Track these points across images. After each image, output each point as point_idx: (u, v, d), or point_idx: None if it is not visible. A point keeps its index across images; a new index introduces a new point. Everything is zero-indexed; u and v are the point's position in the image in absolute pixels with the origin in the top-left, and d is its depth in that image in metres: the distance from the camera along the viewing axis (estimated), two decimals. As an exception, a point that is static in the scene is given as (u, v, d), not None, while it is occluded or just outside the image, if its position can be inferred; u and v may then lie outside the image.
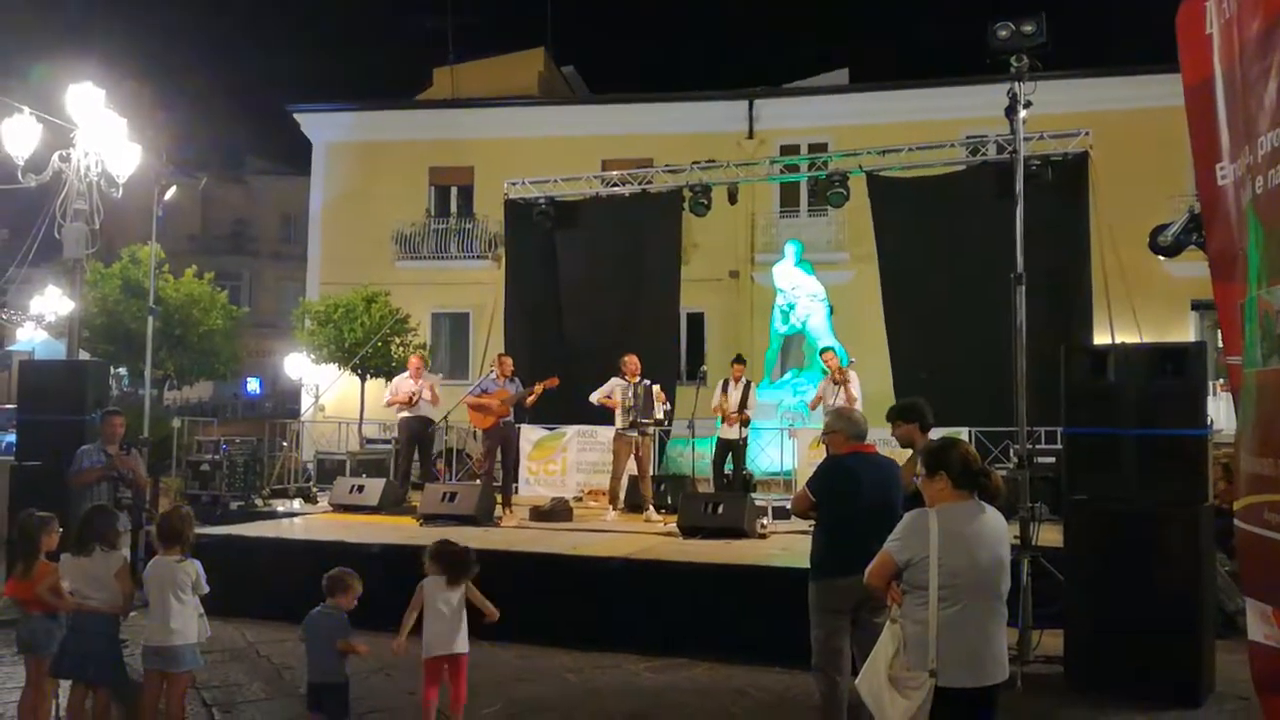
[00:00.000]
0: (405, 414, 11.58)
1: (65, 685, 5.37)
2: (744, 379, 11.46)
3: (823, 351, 12.14)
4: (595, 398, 11.02)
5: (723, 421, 11.31)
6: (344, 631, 5.03)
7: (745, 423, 11.25)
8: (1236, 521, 4.00)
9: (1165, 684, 6.14)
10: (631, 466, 10.98)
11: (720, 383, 11.58)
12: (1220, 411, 13.56)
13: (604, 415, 11.30)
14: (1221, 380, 14.56)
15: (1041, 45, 7.50)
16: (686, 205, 14.00)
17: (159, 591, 4.99)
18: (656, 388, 10.86)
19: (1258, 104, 3.67)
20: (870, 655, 3.79)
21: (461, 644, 5.34)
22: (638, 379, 10.72)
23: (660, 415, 10.88)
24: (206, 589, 5.11)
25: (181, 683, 5.11)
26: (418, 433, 11.57)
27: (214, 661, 6.80)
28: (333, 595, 5.12)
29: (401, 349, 18.50)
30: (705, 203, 13.86)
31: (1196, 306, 19.53)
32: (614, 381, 10.88)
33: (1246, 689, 5.70)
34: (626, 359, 10.79)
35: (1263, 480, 3.66)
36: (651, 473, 11.13)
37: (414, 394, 11.47)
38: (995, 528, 3.69)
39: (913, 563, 3.62)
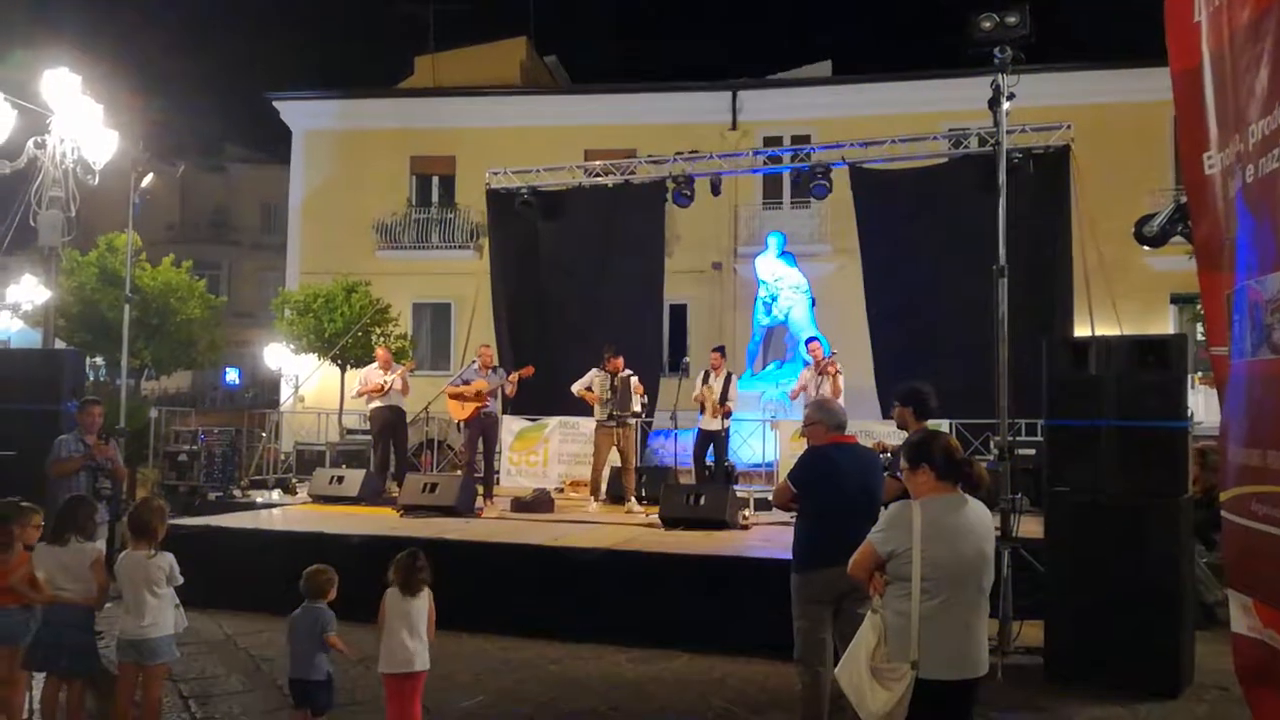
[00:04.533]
0: (377, 404, 11.48)
1: (39, 677, 5.30)
2: (725, 370, 11.44)
3: (808, 341, 12.13)
4: (576, 388, 11.01)
5: (704, 412, 11.30)
6: (329, 626, 4.96)
7: (727, 414, 11.25)
8: (1223, 513, 4.00)
9: (1144, 674, 6.17)
10: (615, 458, 10.96)
11: (701, 373, 11.57)
12: (1199, 404, 13.67)
13: (586, 406, 11.28)
14: (1201, 373, 14.66)
15: (1024, 37, 7.49)
16: (669, 196, 13.97)
17: (132, 586, 4.92)
18: (635, 379, 10.84)
19: (1248, 92, 3.66)
20: (850, 646, 3.77)
21: (419, 662, 4.92)
22: (619, 373, 10.70)
23: (637, 408, 10.85)
24: (180, 580, 5.04)
25: (158, 675, 5.04)
26: (390, 422, 11.48)
27: (191, 654, 6.74)
28: (312, 596, 5.04)
29: (382, 339, 18.38)
30: (688, 194, 13.84)
31: (1176, 300, 19.70)
32: (593, 373, 10.85)
33: (1225, 679, 5.75)
34: (611, 358, 10.73)
35: (1251, 471, 3.66)
36: (635, 464, 11.11)
37: (384, 383, 11.38)
38: (979, 520, 3.68)
39: (895, 554, 3.61)
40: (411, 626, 4.91)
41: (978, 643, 3.60)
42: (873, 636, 3.65)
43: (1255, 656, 3.78)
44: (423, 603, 4.98)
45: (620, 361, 10.75)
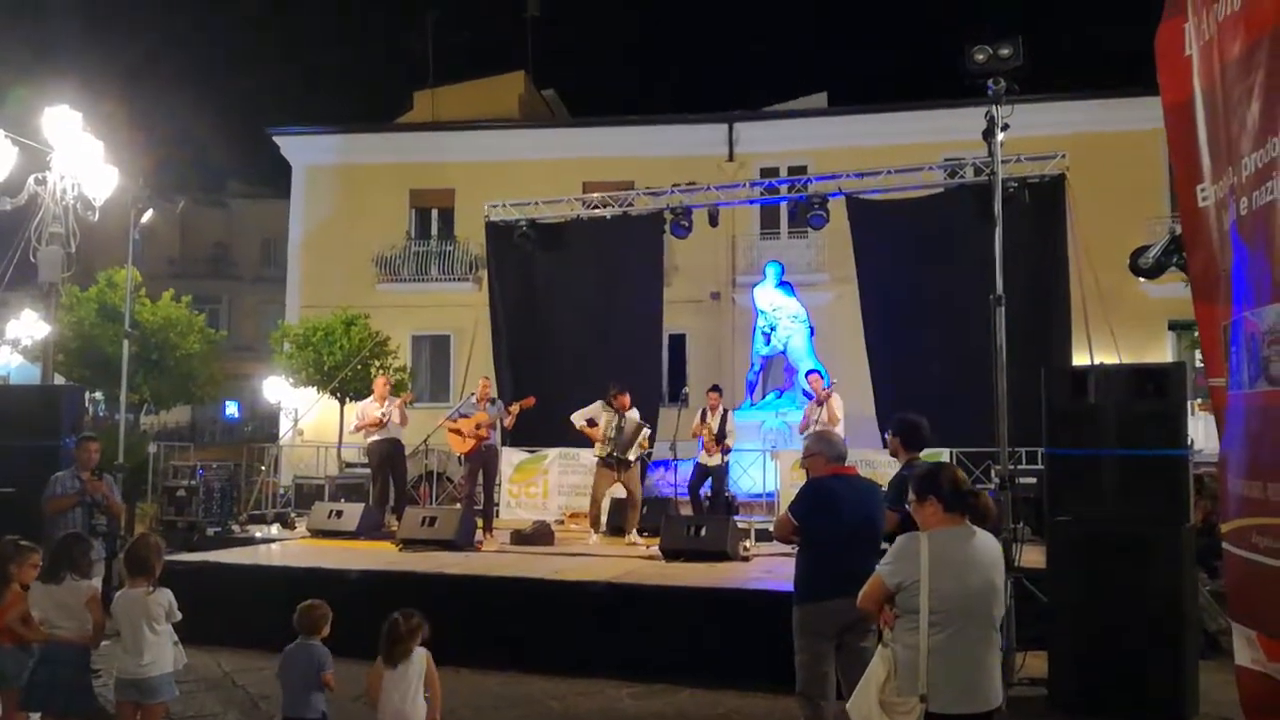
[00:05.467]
0: (375, 437, 11.45)
1: (36, 718, 5.25)
2: (721, 407, 11.44)
3: (808, 374, 12.14)
4: (576, 420, 10.93)
5: (703, 447, 11.30)
6: (325, 664, 4.92)
7: (725, 450, 11.25)
8: (1225, 545, 3.99)
9: (1149, 705, 6.12)
10: (619, 490, 10.89)
11: (699, 411, 11.56)
12: (1199, 431, 13.64)
13: (586, 438, 11.24)
14: (1200, 400, 14.65)
15: (1018, 68, 7.55)
16: (667, 227, 14.03)
17: (130, 623, 4.88)
18: (645, 432, 10.69)
19: (1239, 125, 3.68)
20: (862, 679, 3.76)
21: None
22: (624, 412, 10.64)
23: (633, 456, 10.70)
24: (179, 616, 5.01)
25: (156, 714, 5.00)
26: (389, 455, 11.45)
27: (189, 691, 6.68)
28: (306, 632, 5.01)
29: (381, 372, 18.38)
30: (686, 225, 13.90)
31: (1174, 327, 19.71)
32: (598, 405, 10.79)
33: (1230, 709, 5.69)
34: (618, 395, 10.69)
35: (1251, 503, 3.65)
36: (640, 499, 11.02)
37: (382, 415, 11.36)
38: (987, 552, 3.67)
39: (903, 586, 3.61)
40: (403, 695, 4.72)
41: (989, 675, 3.58)
42: (883, 670, 3.64)
43: (1260, 690, 3.75)
44: (416, 666, 4.79)
45: (627, 399, 10.65)
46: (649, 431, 10.95)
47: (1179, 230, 5.11)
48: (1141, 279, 6.96)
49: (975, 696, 3.54)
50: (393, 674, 4.75)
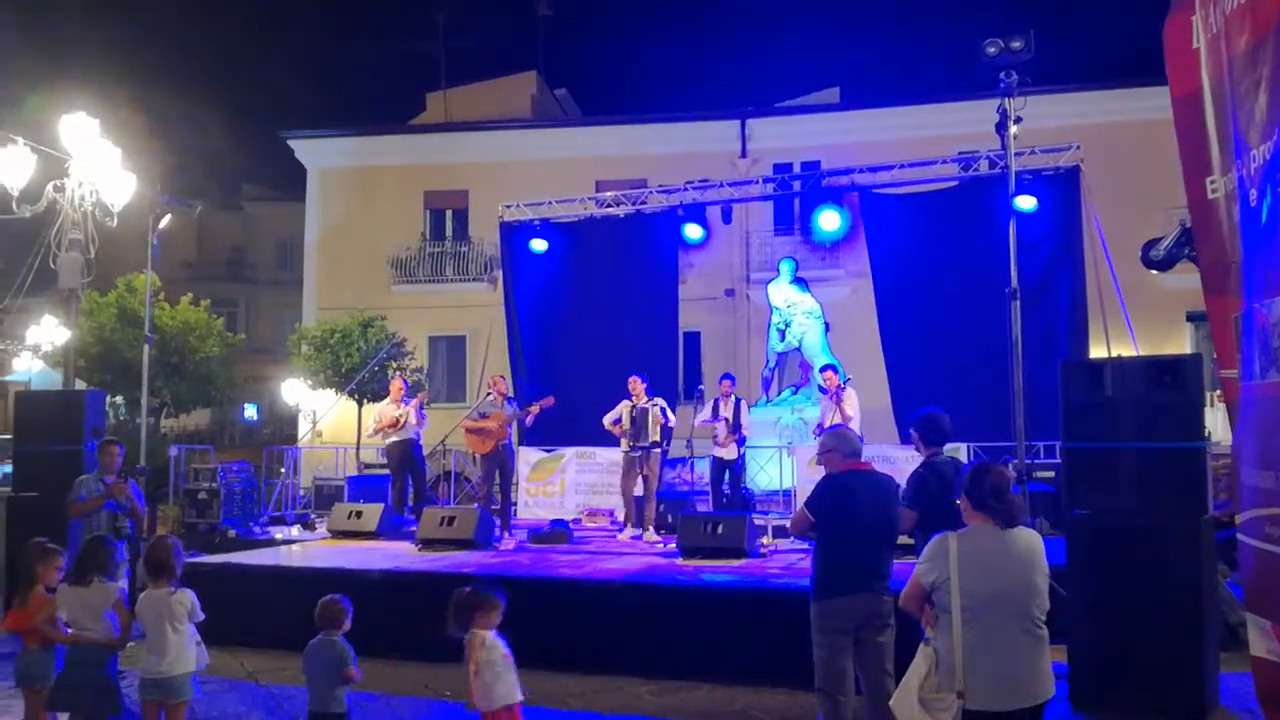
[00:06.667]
0: (394, 438, 11.56)
1: (64, 718, 5.32)
2: (734, 396, 11.45)
3: (823, 369, 12.12)
4: (606, 421, 11.06)
5: (718, 442, 11.32)
6: (346, 659, 4.99)
7: (740, 441, 11.26)
8: (1239, 535, 3.99)
9: (1169, 698, 6.09)
10: (640, 486, 10.95)
11: (711, 402, 11.59)
12: (1217, 423, 13.55)
13: (603, 436, 11.29)
14: (1218, 391, 14.57)
15: (1030, 61, 7.55)
16: (683, 228, 14.05)
17: (155, 624, 4.95)
18: (656, 409, 10.80)
19: (1247, 117, 3.68)
20: (905, 677, 3.84)
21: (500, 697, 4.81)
22: (640, 401, 10.72)
23: (655, 437, 10.78)
24: (202, 616, 5.07)
25: (179, 713, 5.06)
26: (408, 456, 11.54)
27: (213, 691, 6.75)
28: (326, 627, 5.07)
29: (399, 373, 18.48)
30: (702, 230, 13.94)
31: (1191, 318, 19.59)
32: (622, 404, 10.91)
33: (1251, 701, 5.68)
34: (630, 381, 10.79)
35: (1264, 494, 3.65)
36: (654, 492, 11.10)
37: (399, 416, 11.45)
38: (1024, 549, 3.71)
39: (936, 585, 3.69)
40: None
41: (1031, 671, 3.62)
42: (924, 667, 3.72)
43: (1276, 680, 3.75)
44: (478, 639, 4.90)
45: (636, 383, 10.77)
46: (662, 403, 10.98)
47: (1189, 222, 5.10)
48: (1153, 270, 6.94)
49: (1014, 693, 3.58)
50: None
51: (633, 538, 10.66)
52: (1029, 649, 3.62)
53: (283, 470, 15.42)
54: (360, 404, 18.69)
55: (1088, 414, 6.62)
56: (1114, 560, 6.37)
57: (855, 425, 10.48)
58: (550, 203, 15.03)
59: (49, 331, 21.70)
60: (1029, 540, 3.74)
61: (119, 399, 21.59)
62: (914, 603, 3.83)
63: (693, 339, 21.37)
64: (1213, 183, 4.10)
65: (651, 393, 10.87)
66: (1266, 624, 3.78)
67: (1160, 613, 6.14)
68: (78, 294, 10.80)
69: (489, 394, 11.34)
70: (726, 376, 11.81)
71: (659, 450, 10.87)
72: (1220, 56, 3.92)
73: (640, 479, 10.80)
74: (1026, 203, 11.69)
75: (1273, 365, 3.53)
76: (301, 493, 15.21)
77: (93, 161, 10.28)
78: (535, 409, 11.26)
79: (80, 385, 15.38)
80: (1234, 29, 3.76)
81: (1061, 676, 6.57)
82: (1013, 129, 7.91)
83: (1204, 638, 6.18)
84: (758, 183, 15.94)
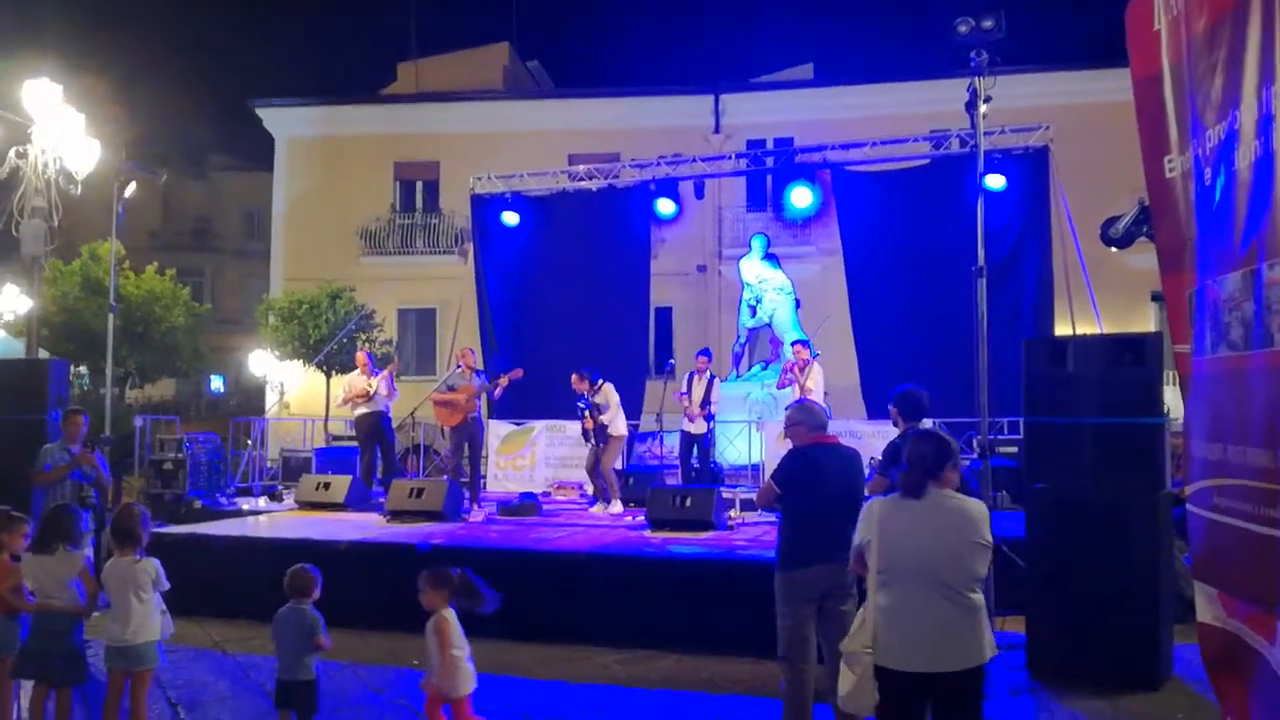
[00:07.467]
0: (362, 410, 11.54)
1: (27, 685, 5.31)
2: (708, 373, 11.51)
3: (793, 344, 12.21)
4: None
5: (687, 416, 11.38)
6: (315, 627, 5.00)
7: (708, 417, 11.33)
8: (1188, 506, 4.10)
9: (1125, 668, 6.24)
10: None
11: (685, 376, 11.63)
12: (1177, 401, 13.77)
13: (572, 410, 11.31)
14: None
15: (1001, 41, 7.59)
16: (655, 204, 14.05)
17: (119, 592, 4.94)
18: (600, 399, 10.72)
19: (1205, 98, 3.75)
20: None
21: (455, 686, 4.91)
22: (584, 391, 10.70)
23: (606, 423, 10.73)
24: (167, 585, 5.07)
25: (144, 680, 5.06)
26: (376, 427, 11.52)
27: (179, 660, 6.75)
28: (296, 595, 5.09)
29: (367, 345, 18.40)
30: (673, 209, 13.94)
31: (1156, 298, 19.83)
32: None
33: (1204, 672, 5.83)
34: (573, 379, 10.72)
35: (1213, 465, 3.75)
36: (617, 465, 11.14)
37: (369, 387, 11.43)
38: (950, 516, 3.73)
39: (863, 547, 3.86)
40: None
41: (946, 637, 3.63)
42: (855, 625, 3.88)
43: (1220, 645, 3.86)
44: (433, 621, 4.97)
45: (574, 380, 10.70)
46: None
47: (1148, 200, 5.18)
48: (1113, 248, 7.04)
49: (922, 655, 3.63)
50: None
51: (608, 514, 10.66)
52: (950, 615, 3.62)
53: (249, 441, 15.32)
54: (328, 376, 18.59)
55: (1049, 390, 6.73)
56: (1073, 533, 6.50)
57: (817, 399, 10.58)
58: (522, 175, 14.97)
59: (11, 300, 21.33)
60: (963, 509, 3.74)
61: (83, 369, 21.37)
62: (858, 565, 3.98)
63: (664, 314, 21.40)
64: (1170, 162, 4.17)
65: (596, 377, 10.77)
66: (1214, 592, 3.90)
67: (1118, 584, 6.27)
68: (41, 262, 10.68)
69: (458, 366, 11.32)
70: (704, 352, 11.87)
71: (610, 438, 10.84)
72: (1180, 38, 3.99)
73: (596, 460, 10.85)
74: (996, 182, 11.82)
75: (1223, 340, 3.61)
76: (269, 464, 15.14)
77: (56, 128, 10.14)
78: (504, 381, 11.25)
79: (43, 354, 15.19)
80: (1193, 11, 3.82)
81: (1020, 646, 6.74)
82: (982, 108, 7.95)
83: (1160, 609, 6.32)
84: (731, 158, 15.96)
